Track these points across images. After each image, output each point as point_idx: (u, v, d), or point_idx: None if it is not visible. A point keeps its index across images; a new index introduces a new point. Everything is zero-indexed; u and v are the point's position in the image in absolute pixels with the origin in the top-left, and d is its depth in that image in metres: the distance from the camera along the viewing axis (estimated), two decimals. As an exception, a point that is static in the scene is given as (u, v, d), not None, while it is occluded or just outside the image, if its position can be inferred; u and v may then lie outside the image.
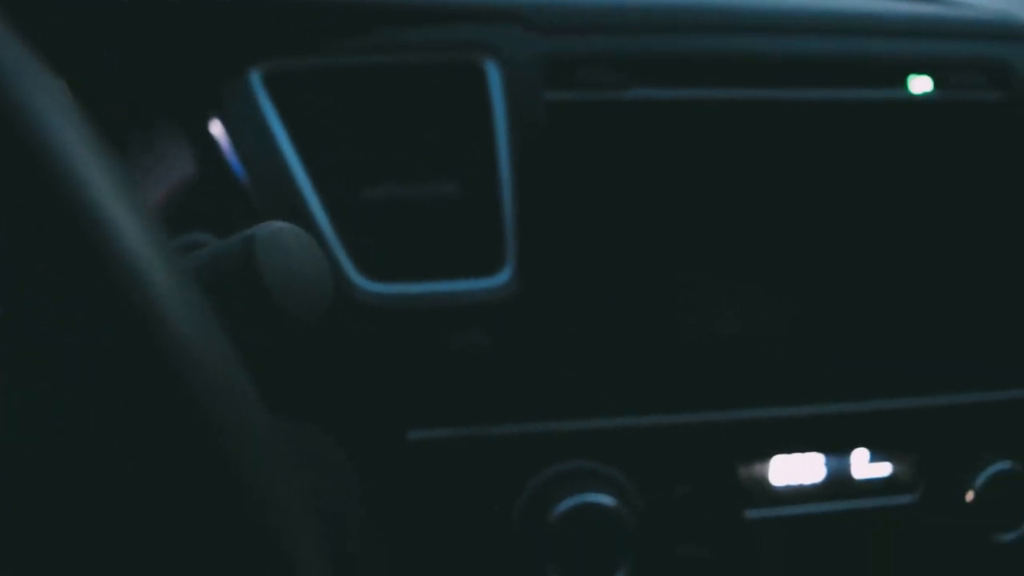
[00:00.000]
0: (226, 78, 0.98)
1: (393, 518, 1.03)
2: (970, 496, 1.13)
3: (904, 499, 1.13)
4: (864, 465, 1.12)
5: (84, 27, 0.97)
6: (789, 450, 1.09)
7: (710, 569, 1.09)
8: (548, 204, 1.02)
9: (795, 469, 1.10)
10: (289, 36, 1.00)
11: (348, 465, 1.02)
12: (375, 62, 1.00)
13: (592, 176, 1.04)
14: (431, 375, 1.00)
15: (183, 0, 0.98)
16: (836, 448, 1.11)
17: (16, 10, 0.94)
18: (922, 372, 1.12)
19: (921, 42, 1.10)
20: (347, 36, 1.00)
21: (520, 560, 1.03)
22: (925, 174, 1.11)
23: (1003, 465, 1.14)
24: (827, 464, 1.11)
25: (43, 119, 0.39)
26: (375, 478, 1.01)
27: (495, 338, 1.01)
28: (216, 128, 0.99)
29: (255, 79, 0.98)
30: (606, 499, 1.02)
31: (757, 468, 1.09)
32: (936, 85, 1.10)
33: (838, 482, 1.11)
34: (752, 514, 1.09)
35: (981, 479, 1.13)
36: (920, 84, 1.10)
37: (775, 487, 1.09)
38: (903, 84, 1.09)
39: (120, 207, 0.40)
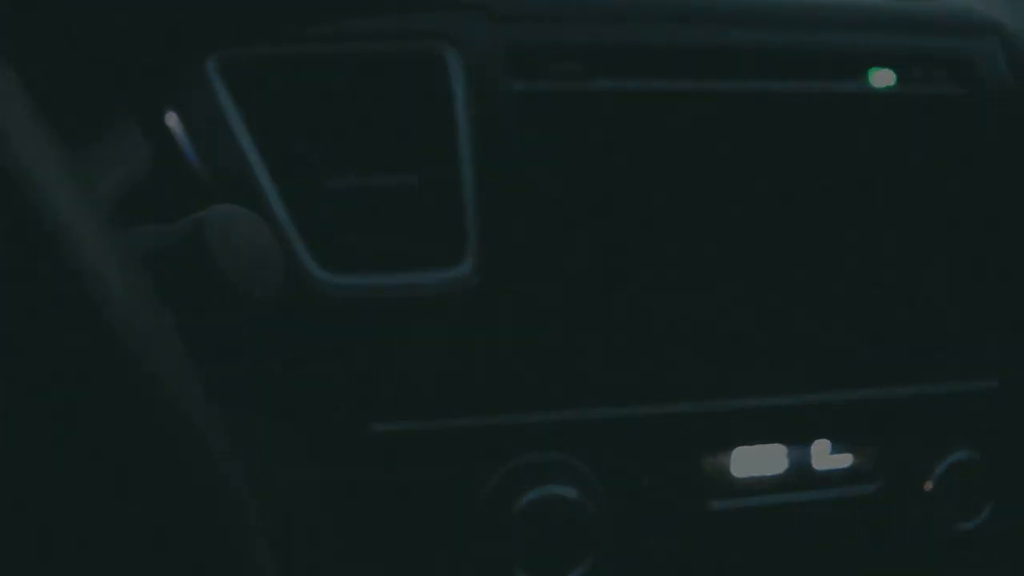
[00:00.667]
0: (182, 67, 0.97)
1: (356, 512, 1.02)
2: (929, 486, 1.14)
3: (865, 489, 1.13)
4: (825, 456, 1.13)
5: (35, 18, 0.95)
6: (751, 441, 1.09)
7: (674, 560, 1.09)
8: (510, 195, 1.01)
9: (757, 460, 1.10)
10: (246, 24, 0.99)
11: (308, 459, 1.01)
12: (334, 51, 0.99)
13: (554, 167, 1.03)
14: (392, 367, 0.99)
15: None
16: (797, 439, 1.11)
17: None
18: (881, 363, 1.12)
19: (883, 35, 1.10)
20: (305, 24, 0.99)
21: (484, 552, 1.03)
22: (886, 167, 1.11)
23: (962, 455, 1.15)
24: (789, 455, 1.11)
25: None
26: (338, 472, 1.01)
27: (456, 329, 1.00)
28: (172, 119, 0.98)
29: (211, 68, 0.97)
30: (570, 491, 1.01)
31: (720, 459, 1.09)
32: (898, 78, 1.10)
33: (800, 473, 1.11)
34: (715, 505, 1.08)
35: (940, 469, 1.14)
36: (882, 77, 1.10)
37: (737, 478, 1.09)
38: (864, 77, 1.09)
39: (64, 196, 0.39)
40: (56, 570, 0.40)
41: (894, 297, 1.13)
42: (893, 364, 1.12)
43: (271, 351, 0.98)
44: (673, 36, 1.05)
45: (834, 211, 1.10)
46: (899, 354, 1.13)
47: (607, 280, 1.05)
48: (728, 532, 1.10)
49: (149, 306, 0.42)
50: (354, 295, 0.97)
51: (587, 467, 1.04)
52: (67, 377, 0.39)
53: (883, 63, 1.10)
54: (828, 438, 1.12)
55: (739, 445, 1.09)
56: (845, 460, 1.13)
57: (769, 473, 1.11)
